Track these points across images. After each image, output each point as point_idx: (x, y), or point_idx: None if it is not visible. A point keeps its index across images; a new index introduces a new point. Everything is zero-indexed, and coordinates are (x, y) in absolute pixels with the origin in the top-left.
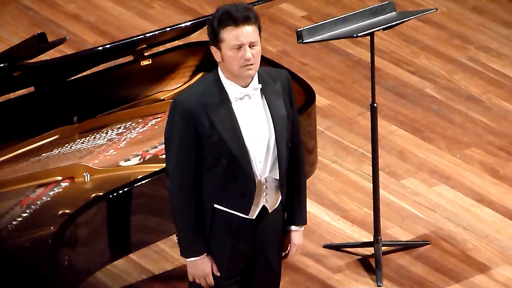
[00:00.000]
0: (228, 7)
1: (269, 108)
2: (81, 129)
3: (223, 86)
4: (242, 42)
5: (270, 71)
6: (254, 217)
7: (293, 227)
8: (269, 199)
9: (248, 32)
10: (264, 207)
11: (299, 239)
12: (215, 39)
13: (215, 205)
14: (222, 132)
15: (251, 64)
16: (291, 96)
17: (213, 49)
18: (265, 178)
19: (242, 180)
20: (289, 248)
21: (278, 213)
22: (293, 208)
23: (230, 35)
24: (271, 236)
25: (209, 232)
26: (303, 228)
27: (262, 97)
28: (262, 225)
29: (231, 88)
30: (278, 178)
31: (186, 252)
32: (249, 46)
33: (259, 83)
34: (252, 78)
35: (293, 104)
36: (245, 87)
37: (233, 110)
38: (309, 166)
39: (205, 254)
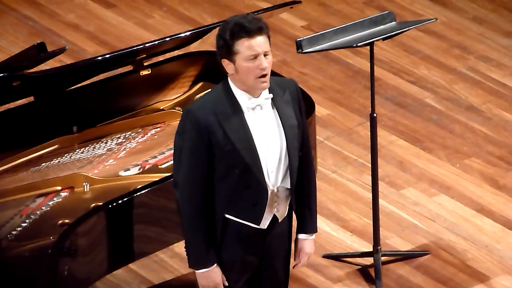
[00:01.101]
0: (239, 19)
1: (280, 117)
2: (81, 139)
3: (235, 97)
4: (257, 52)
5: (278, 81)
6: (265, 227)
7: (304, 236)
8: (280, 208)
9: (261, 42)
10: (274, 217)
11: (310, 247)
12: (228, 52)
13: (226, 215)
14: (236, 142)
15: (266, 75)
16: (300, 105)
17: (225, 62)
18: (277, 188)
19: (254, 189)
20: (300, 257)
21: (285, 223)
22: (303, 216)
23: (244, 46)
24: (279, 246)
25: (219, 242)
26: (313, 236)
27: (272, 107)
28: (271, 235)
29: (243, 98)
30: (289, 187)
31: (196, 263)
32: (263, 56)
33: (269, 93)
34: (266, 88)
35: (302, 112)
36: (257, 97)
37: (245, 120)
38: None
39: (215, 264)
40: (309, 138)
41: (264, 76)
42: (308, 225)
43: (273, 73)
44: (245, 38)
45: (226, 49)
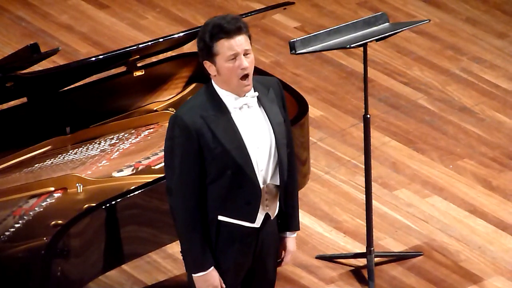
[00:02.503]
0: (217, 20)
1: (267, 115)
2: (74, 140)
3: (220, 98)
4: (237, 52)
5: (261, 80)
6: (258, 226)
7: (288, 234)
8: (271, 205)
9: (241, 41)
10: (267, 214)
11: (294, 245)
12: (209, 54)
13: (220, 217)
14: (226, 144)
15: (247, 75)
16: (283, 102)
17: (206, 64)
18: (267, 185)
19: (247, 189)
20: (283, 255)
21: (276, 221)
22: (287, 214)
23: (224, 47)
24: (270, 244)
25: (214, 245)
26: (295, 234)
27: (259, 105)
28: (264, 234)
29: (229, 99)
30: (278, 184)
31: (194, 267)
32: (243, 55)
33: (254, 91)
34: (249, 90)
35: (286, 110)
36: (243, 97)
37: (233, 120)
38: (301, 177)
39: (213, 267)
40: (291, 135)
41: (246, 76)
42: (292, 223)
43: (256, 72)
44: (225, 39)
45: (207, 51)
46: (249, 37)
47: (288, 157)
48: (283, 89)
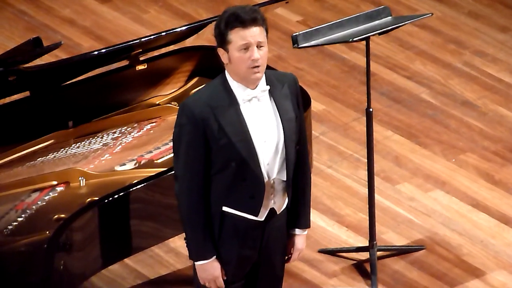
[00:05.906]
0: (235, 9)
1: (278, 110)
2: (76, 134)
3: (231, 89)
4: (249, 42)
5: (277, 74)
6: (262, 219)
7: (297, 231)
8: (276, 200)
9: (255, 33)
10: (272, 209)
11: (302, 243)
12: (223, 41)
13: (224, 208)
14: (231, 135)
15: (258, 66)
16: (298, 99)
17: (220, 51)
18: (273, 180)
19: (251, 182)
20: (291, 252)
21: (283, 217)
22: (297, 211)
23: (238, 36)
24: (276, 241)
25: (217, 236)
26: (306, 232)
27: (270, 99)
28: (270, 229)
29: (239, 91)
30: (285, 179)
31: (196, 255)
32: (257, 47)
33: (266, 85)
34: (259, 80)
35: (300, 107)
36: (253, 89)
37: (241, 113)
38: None
39: (214, 257)
40: (306, 132)
41: (256, 67)
42: (302, 221)
43: (271, 69)
44: (239, 28)
45: (221, 38)
46: (266, 30)
47: (299, 154)
48: (299, 86)
